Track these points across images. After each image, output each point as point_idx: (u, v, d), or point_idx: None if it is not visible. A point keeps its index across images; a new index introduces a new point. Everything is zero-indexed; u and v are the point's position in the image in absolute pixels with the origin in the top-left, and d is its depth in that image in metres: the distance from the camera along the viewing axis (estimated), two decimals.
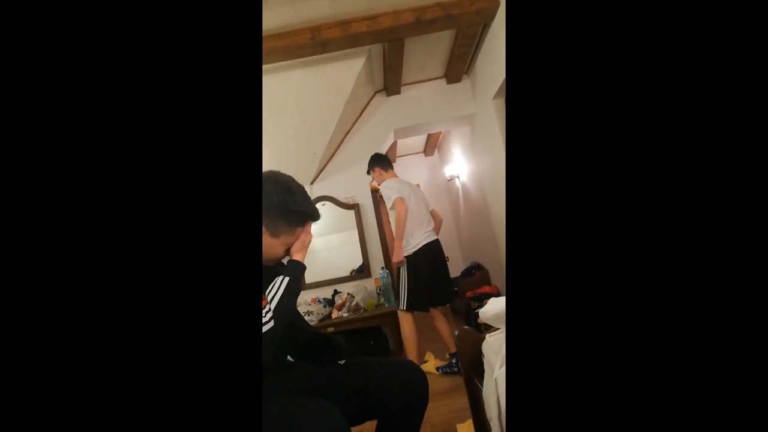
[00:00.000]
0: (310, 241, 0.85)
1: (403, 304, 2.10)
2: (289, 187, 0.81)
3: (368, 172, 2.37)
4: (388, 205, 2.16)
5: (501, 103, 2.62)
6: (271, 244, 0.80)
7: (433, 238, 2.17)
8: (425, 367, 2.20)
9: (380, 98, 3.07)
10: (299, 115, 2.62)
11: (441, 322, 2.14)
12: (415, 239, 2.13)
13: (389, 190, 2.16)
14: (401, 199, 2.09)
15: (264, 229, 0.79)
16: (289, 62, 2.30)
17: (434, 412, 1.66)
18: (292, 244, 0.83)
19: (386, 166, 2.29)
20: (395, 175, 2.29)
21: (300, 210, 0.81)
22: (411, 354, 2.09)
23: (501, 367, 0.83)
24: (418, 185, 2.50)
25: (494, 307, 0.91)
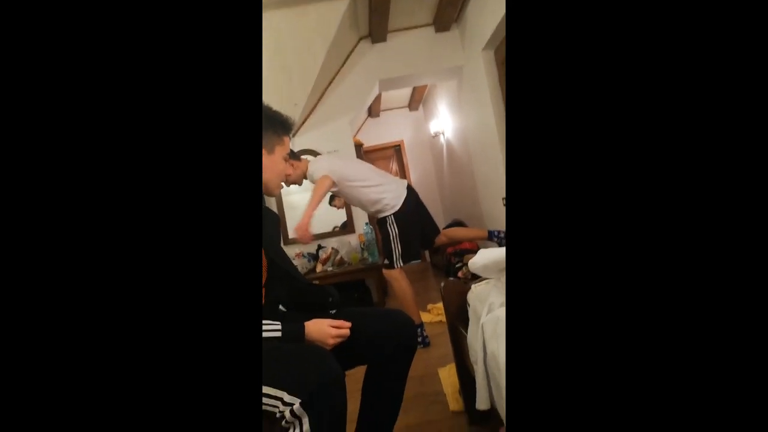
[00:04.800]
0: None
1: (398, 262, 1.94)
2: None
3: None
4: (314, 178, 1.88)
5: (490, 54, 2.53)
6: (273, 162, 0.83)
7: (406, 183, 2.05)
8: None
9: (365, 45, 2.90)
10: (278, 60, 2.46)
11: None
12: (395, 191, 1.95)
13: (317, 164, 1.91)
14: (326, 175, 1.85)
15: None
16: (267, 0, 2.11)
17: (415, 358, 1.74)
18: (289, 174, 0.88)
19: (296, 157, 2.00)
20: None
21: (278, 115, 0.85)
22: (411, 309, 1.93)
23: (487, 313, 0.87)
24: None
25: (483, 258, 0.93)
